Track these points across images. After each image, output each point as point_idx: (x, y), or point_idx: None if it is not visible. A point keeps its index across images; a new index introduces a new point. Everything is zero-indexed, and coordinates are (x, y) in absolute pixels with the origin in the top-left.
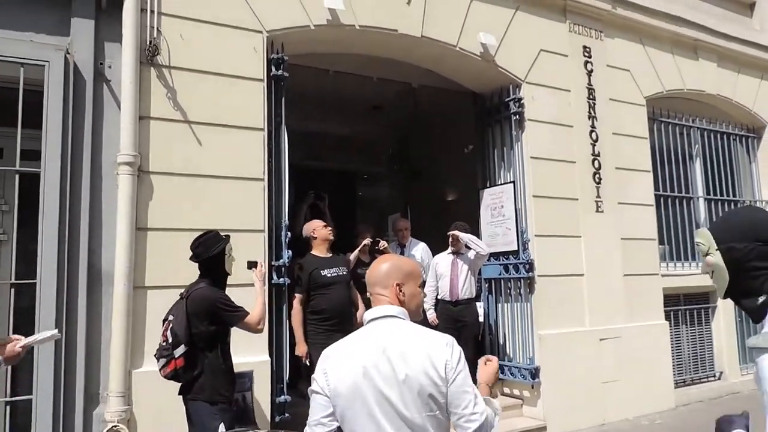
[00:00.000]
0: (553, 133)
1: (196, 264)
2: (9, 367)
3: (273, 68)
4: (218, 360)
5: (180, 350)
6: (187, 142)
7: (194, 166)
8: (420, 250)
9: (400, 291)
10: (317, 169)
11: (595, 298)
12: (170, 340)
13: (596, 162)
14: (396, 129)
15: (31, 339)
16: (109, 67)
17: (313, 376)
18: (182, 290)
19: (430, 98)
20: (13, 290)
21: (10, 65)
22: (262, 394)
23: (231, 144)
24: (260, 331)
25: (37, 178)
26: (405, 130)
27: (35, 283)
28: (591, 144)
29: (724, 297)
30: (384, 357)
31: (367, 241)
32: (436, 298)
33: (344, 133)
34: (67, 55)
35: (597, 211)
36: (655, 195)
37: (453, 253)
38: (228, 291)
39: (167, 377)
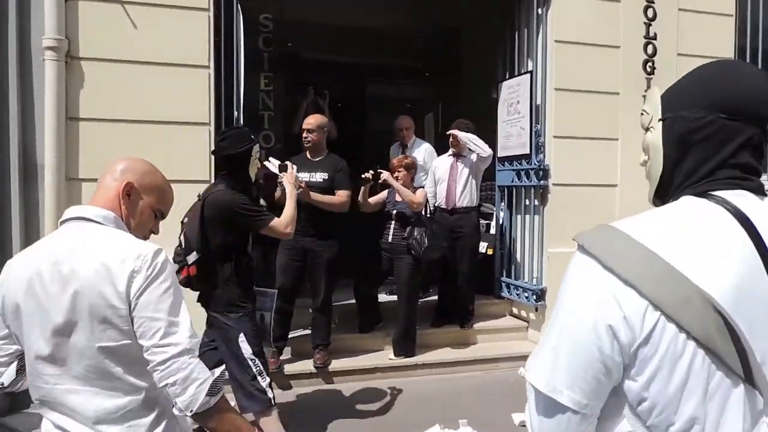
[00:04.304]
0: (590, 10)
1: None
2: None
3: None
4: (232, 272)
5: (192, 257)
6: (121, 24)
7: (128, 51)
8: (422, 151)
9: (128, 196)
10: (327, 62)
11: (631, 212)
12: (182, 245)
13: (650, 47)
14: (425, 19)
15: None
16: None
17: None
18: (200, 191)
19: None
20: None
21: None
22: None
23: (170, 26)
24: (289, 235)
25: None
26: (434, 21)
27: None
28: (645, 23)
29: (655, 201)
30: (55, 269)
31: (367, 175)
32: (435, 206)
33: (366, 26)
34: None
35: None
36: None
37: (454, 155)
38: None
39: (181, 284)
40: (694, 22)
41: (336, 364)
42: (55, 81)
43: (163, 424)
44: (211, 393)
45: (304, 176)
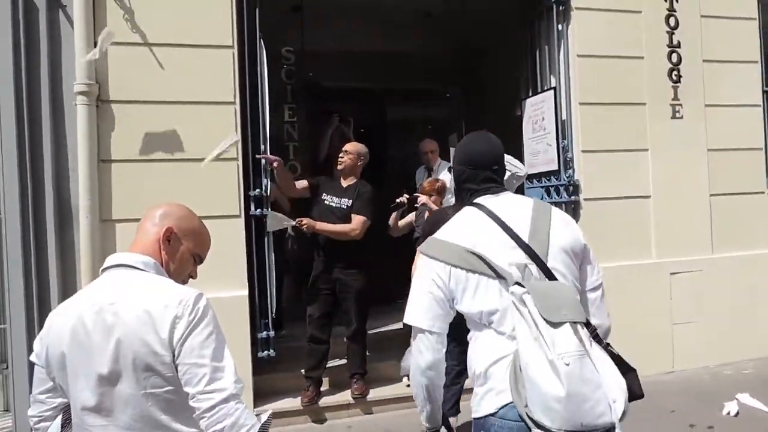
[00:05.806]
0: (611, 22)
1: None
2: None
3: None
4: None
5: None
6: (148, 66)
7: (157, 92)
8: (448, 173)
9: (168, 241)
10: (353, 89)
11: (667, 223)
12: None
13: (674, 55)
14: (446, 40)
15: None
16: None
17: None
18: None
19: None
20: None
21: None
22: (241, 330)
23: (196, 65)
24: None
25: None
26: (456, 42)
27: None
28: (668, 32)
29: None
30: (98, 318)
31: (402, 199)
32: None
33: (385, 50)
34: None
35: (673, 117)
36: (765, 92)
37: None
38: None
39: None
40: (718, 28)
41: (374, 393)
42: (86, 124)
43: None
44: None
45: (333, 200)
